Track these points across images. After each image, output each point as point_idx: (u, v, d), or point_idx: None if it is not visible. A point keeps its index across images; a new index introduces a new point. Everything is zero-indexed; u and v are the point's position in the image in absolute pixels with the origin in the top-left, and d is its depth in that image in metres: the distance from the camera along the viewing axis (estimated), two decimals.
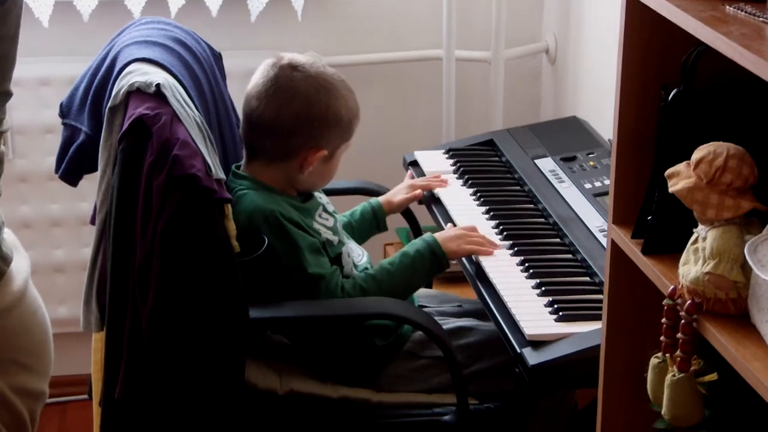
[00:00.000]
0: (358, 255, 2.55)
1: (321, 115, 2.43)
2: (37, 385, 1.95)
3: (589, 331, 2.12)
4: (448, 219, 2.62)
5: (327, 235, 2.46)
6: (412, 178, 2.82)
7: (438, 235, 2.49)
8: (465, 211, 2.63)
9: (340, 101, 2.45)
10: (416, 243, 2.49)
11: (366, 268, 2.53)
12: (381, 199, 2.74)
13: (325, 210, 2.53)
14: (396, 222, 2.94)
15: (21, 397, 1.92)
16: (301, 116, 2.42)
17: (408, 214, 2.84)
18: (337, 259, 2.46)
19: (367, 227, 2.70)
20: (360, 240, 2.67)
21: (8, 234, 1.95)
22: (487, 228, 2.54)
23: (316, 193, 2.56)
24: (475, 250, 2.44)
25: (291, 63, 2.46)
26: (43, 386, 1.97)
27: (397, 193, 2.74)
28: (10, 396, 1.91)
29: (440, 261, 2.46)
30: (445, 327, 2.44)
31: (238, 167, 2.51)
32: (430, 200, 2.73)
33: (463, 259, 2.46)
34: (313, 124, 2.43)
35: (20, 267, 1.91)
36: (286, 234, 2.37)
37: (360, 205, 2.74)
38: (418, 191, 2.72)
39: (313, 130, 2.43)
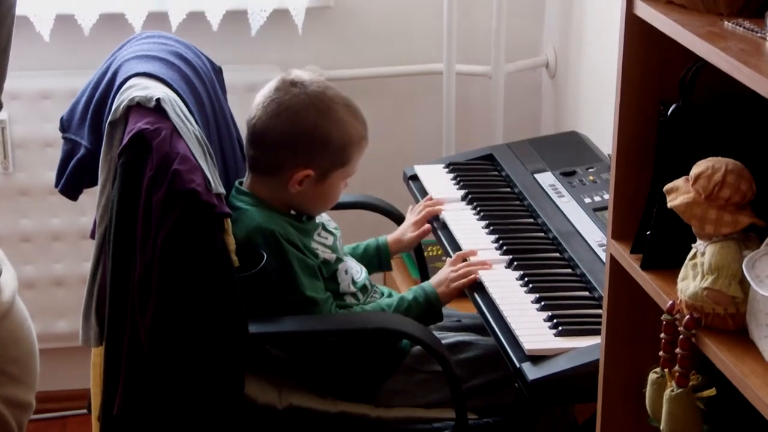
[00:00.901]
0: (357, 272, 2.55)
1: (307, 133, 2.42)
2: (24, 396, 1.96)
3: (588, 345, 2.12)
4: (448, 233, 2.62)
5: (325, 254, 2.45)
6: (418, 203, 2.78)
7: (433, 281, 2.50)
8: (465, 225, 2.63)
9: (332, 123, 2.43)
10: (416, 290, 2.49)
11: (364, 285, 2.53)
12: (390, 238, 2.70)
13: (325, 228, 2.52)
14: None
15: (9, 407, 1.92)
16: (287, 132, 2.42)
17: None
18: (332, 277, 2.46)
19: (366, 264, 2.65)
20: None
21: None
22: (486, 242, 2.54)
23: None
24: (463, 284, 2.43)
25: (293, 79, 2.46)
26: (30, 397, 1.98)
27: (405, 232, 2.70)
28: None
29: (434, 311, 2.47)
30: (444, 342, 2.44)
31: (241, 183, 2.52)
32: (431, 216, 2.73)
33: None
34: (299, 141, 2.42)
35: (7, 280, 1.91)
36: (283, 255, 2.37)
37: (366, 240, 2.71)
38: (427, 226, 2.67)
39: (298, 147, 2.42)
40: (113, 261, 2.21)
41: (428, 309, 2.46)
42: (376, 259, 2.69)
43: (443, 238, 2.62)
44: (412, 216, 2.72)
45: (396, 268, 3.23)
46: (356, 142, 2.47)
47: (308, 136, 2.42)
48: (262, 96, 2.46)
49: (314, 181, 2.44)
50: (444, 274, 2.49)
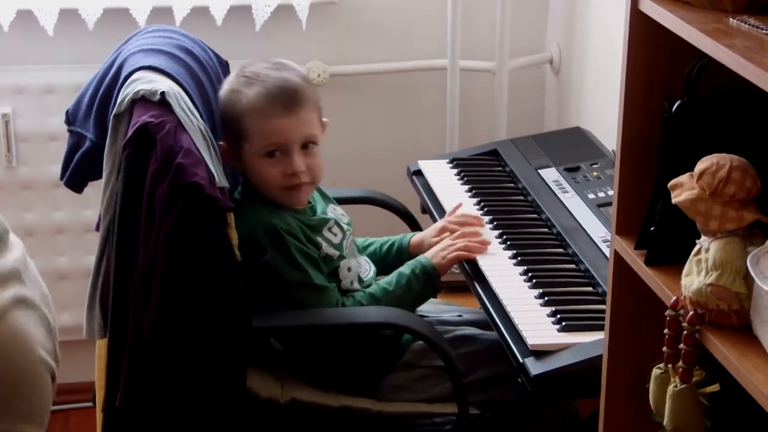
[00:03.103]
0: (366, 270, 2.55)
1: (219, 107, 2.44)
2: (8, 427, 1.78)
3: (591, 341, 2.12)
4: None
5: (328, 250, 2.45)
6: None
7: (428, 253, 2.50)
8: None
9: (224, 95, 2.43)
10: (411, 264, 2.49)
11: (370, 284, 2.53)
12: (413, 239, 2.65)
13: (338, 224, 2.51)
14: (402, 230, 2.93)
15: None
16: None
17: (413, 223, 2.85)
18: (333, 273, 2.46)
19: (389, 263, 2.64)
20: (386, 271, 2.64)
21: (16, 258, 1.83)
22: (490, 237, 2.54)
23: (330, 208, 2.55)
24: (460, 256, 2.44)
25: (243, 65, 2.49)
26: (16, 429, 1.78)
27: (428, 236, 2.62)
28: None
29: (433, 282, 2.47)
30: (446, 336, 2.45)
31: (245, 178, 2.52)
32: (435, 210, 2.73)
33: (466, 267, 2.46)
34: (218, 116, 2.45)
35: None
36: (286, 248, 2.37)
37: (393, 238, 2.69)
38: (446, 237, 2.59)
39: (219, 122, 2.45)
40: (117, 254, 2.21)
41: (427, 280, 2.46)
42: (399, 260, 2.66)
43: None
44: (443, 222, 2.62)
45: None
46: (247, 114, 2.40)
47: (219, 111, 2.44)
48: None
49: (234, 157, 2.43)
50: (440, 246, 2.49)
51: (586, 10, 3.20)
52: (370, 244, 2.67)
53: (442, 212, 2.70)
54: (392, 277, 2.48)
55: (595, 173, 2.72)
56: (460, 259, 2.46)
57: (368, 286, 2.52)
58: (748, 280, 1.56)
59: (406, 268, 2.48)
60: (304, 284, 2.38)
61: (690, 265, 1.64)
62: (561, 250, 2.48)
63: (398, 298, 2.43)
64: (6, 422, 1.79)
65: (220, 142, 2.42)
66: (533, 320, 2.22)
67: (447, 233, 2.57)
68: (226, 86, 2.44)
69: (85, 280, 2.40)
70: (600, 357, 1.95)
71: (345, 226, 2.53)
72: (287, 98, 2.39)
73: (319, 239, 2.45)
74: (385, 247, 2.67)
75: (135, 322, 2.20)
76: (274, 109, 2.39)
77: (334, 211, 2.55)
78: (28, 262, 1.92)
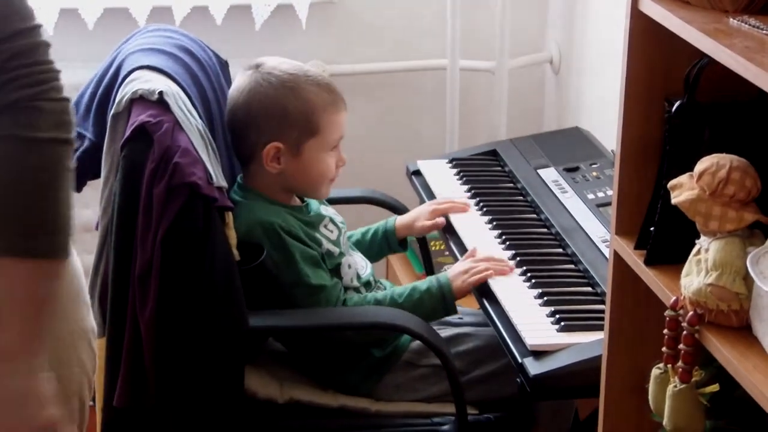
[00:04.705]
0: (362, 267, 2.54)
1: (263, 108, 2.40)
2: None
3: (590, 341, 2.12)
4: (451, 229, 2.61)
5: (328, 246, 2.45)
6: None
7: (449, 273, 2.45)
8: (467, 221, 2.63)
9: (286, 93, 2.40)
10: (430, 280, 2.45)
11: (368, 281, 2.53)
12: (399, 221, 2.66)
13: (332, 221, 2.51)
14: None
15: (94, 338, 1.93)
16: (246, 112, 2.42)
17: None
18: (335, 270, 2.45)
19: (376, 250, 2.66)
20: (372, 260, 2.64)
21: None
22: (489, 238, 2.54)
23: (322, 207, 2.55)
24: (480, 279, 2.39)
25: (255, 63, 2.47)
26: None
27: (419, 218, 2.65)
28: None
29: (447, 304, 2.43)
30: (443, 335, 2.44)
31: (242, 178, 2.51)
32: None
33: None
34: (258, 118, 2.41)
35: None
36: (285, 247, 2.36)
37: (375, 225, 2.69)
38: (441, 219, 2.62)
39: (259, 124, 2.41)
40: (115, 253, 2.21)
41: (440, 301, 2.42)
42: (386, 244, 2.67)
43: (446, 233, 2.62)
44: (430, 205, 2.66)
45: (399, 263, 3.23)
46: (319, 108, 2.42)
47: (265, 111, 2.41)
48: (231, 89, 2.49)
49: (290, 156, 2.42)
50: (463, 266, 2.43)
51: (585, 9, 3.20)
52: (350, 237, 2.66)
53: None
54: (404, 289, 2.45)
55: (594, 173, 2.71)
56: (479, 283, 2.40)
57: (366, 283, 2.52)
58: (747, 281, 1.56)
59: (422, 284, 2.44)
60: (300, 284, 2.37)
61: (690, 266, 1.64)
62: (560, 250, 2.48)
63: (406, 310, 2.41)
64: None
65: (275, 143, 2.40)
66: (532, 320, 2.22)
67: (442, 216, 2.62)
68: (270, 87, 2.40)
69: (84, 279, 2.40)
70: (599, 357, 1.95)
71: (339, 224, 2.53)
72: (340, 93, 2.47)
73: (318, 236, 2.44)
74: (368, 236, 2.66)
75: (133, 321, 2.20)
76: (341, 103, 2.46)
77: (327, 210, 2.55)
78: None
